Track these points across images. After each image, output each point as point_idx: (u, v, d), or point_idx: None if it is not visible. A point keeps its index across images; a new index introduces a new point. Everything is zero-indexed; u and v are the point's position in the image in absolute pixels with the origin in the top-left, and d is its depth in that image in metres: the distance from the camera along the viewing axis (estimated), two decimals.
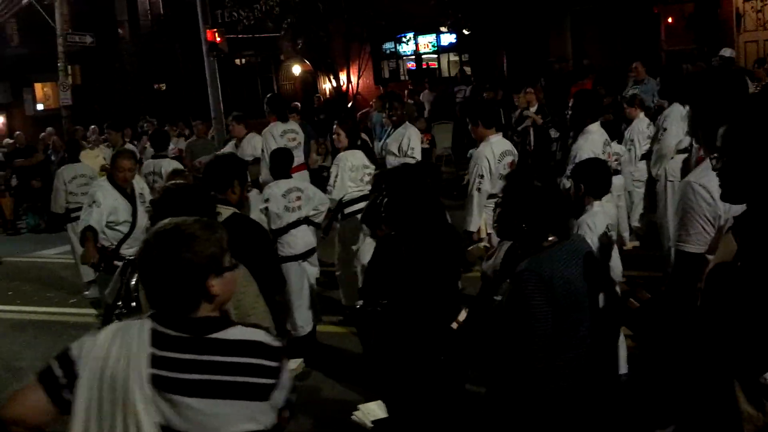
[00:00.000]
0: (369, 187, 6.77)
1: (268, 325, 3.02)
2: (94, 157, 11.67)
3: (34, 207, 14.55)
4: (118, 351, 2.11)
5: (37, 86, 29.68)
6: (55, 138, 15.81)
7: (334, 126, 7.41)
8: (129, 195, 6.73)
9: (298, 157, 8.97)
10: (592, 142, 6.09)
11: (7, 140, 17.40)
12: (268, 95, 10.11)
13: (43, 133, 16.68)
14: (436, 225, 3.84)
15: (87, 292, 8.80)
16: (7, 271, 10.93)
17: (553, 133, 12.08)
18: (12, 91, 29.36)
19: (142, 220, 6.56)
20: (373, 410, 4.18)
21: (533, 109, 12.41)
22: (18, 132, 17.61)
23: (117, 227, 6.55)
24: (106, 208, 6.45)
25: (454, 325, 3.56)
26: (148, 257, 2.20)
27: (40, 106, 29.61)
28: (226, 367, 2.13)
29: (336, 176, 6.99)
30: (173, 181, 3.69)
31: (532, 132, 12.47)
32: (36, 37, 24.91)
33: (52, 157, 14.82)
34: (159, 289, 2.19)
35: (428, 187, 3.94)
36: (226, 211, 3.86)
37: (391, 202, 3.88)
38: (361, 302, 3.79)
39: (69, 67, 21.34)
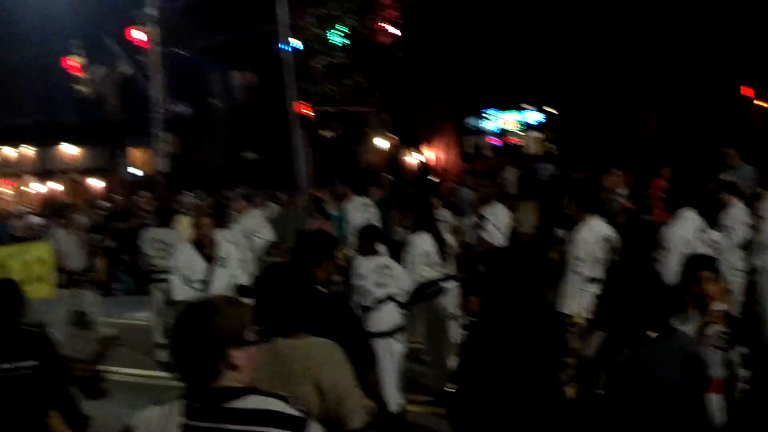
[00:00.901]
0: (446, 270, 6.81)
1: (365, 409, 3.01)
2: (190, 225, 11.79)
3: (128, 269, 15.01)
4: (158, 422, 2.33)
5: (134, 152, 31.03)
6: (150, 202, 16.38)
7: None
8: (207, 256, 6.93)
9: None
10: (685, 226, 6.02)
11: (104, 203, 18.15)
12: (345, 169, 10.47)
13: (138, 197, 17.34)
14: (536, 309, 3.72)
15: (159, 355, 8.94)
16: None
17: (645, 216, 11.82)
18: (110, 156, 30.84)
19: (220, 282, 6.71)
20: None
21: (622, 191, 12.20)
22: (115, 195, 18.39)
23: (193, 285, 6.77)
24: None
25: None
26: (177, 328, 2.38)
27: (135, 171, 30.91)
28: None
29: (408, 261, 7.08)
30: (274, 258, 3.76)
31: (621, 215, 12.23)
32: (135, 105, 26.22)
33: (147, 222, 15.36)
34: (185, 358, 2.33)
35: (529, 269, 3.83)
36: None
37: (489, 284, 3.84)
38: (453, 387, 3.73)
39: (165, 134, 22.28)
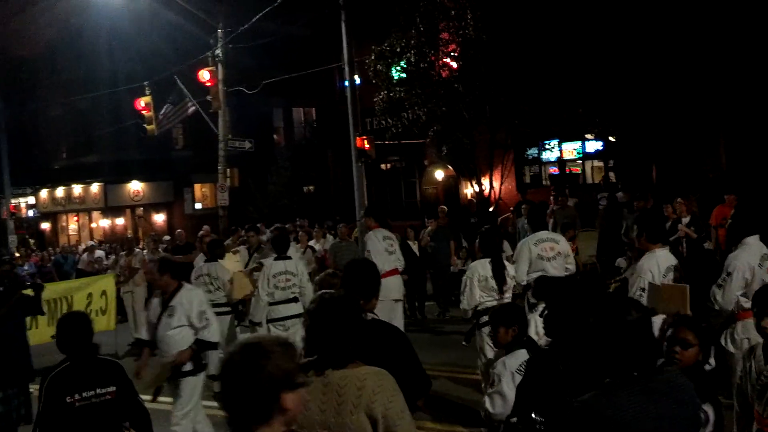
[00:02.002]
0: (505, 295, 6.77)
1: None
2: (235, 261, 11.60)
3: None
4: None
5: (197, 186, 31.82)
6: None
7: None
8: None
9: (394, 263, 9.68)
10: (750, 253, 5.94)
11: (166, 237, 18.57)
12: (368, 206, 10.62)
13: (200, 232, 17.68)
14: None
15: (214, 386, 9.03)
16: None
17: (707, 245, 11.53)
18: (174, 190, 31.68)
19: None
20: None
21: (686, 220, 11.93)
22: (179, 230, 18.82)
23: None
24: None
25: None
26: (229, 368, 2.37)
27: (198, 205, 31.66)
28: None
29: (466, 286, 7.11)
30: (325, 291, 3.78)
31: (684, 244, 11.97)
32: (197, 141, 26.95)
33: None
34: (236, 400, 2.32)
35: (589, 300, 3.78)
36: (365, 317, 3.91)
37: (550, 314, 3.79)
38: (515, 419, 3.68)
39: (227, 169, 22.75)
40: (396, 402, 3.00)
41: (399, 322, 9.40)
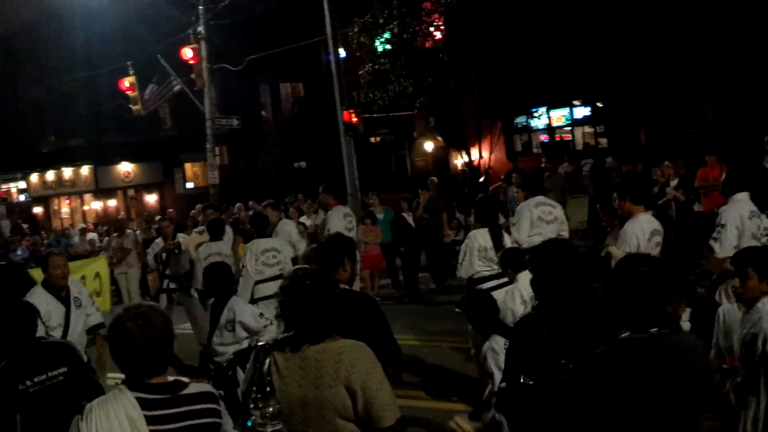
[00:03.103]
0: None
1: (396, 406, 3.02)
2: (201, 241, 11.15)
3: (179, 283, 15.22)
4: (120, 423, 2.66)
5: (187, 166, 31.72)
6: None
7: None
8: (63, 298, 6.45)
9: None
10: (740, 207, 6.30)
11: (158, 217, 18.54)
12: (325, 184, 10.80)
13: (192, 211, 17.68)
14: (583, 303, 3.72)
15: None
16: None
17: (696, 208, 11.60)
18: (164, 170, 31.59)
19: (77, 323, 6.42)
20: None
21: (674, 183, 11.99)
22: (170, 209, 18.79)
23: (51, 332, 6.08)
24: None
25: None
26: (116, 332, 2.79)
27: (189, 185, 31.58)
28: (197, 413, 2.79)
29: (465, 255, 7.10)
30: (299, 266, 3.83)
31: (674, 206, 12.05)
32: (186, 120, 26.81)
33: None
34: (137, 361, 2.75)
35: (576, 263, 3.83)
36: None
37: (535, 279, 3.84)
38: (504, 384, 3.75)
39: (216, 148, 22.68)
40: (374, 374, 3.01)
41: None
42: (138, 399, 2.71)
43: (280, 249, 8.71)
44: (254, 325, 5.80)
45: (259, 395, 2.95)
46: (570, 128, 23.29)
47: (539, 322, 3.70)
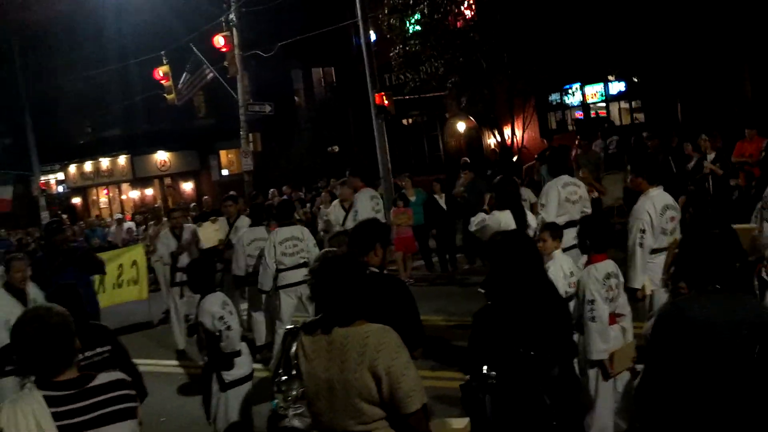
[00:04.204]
0: None
1: (421, 391, 3.01)
2: (214, 230, 11.35)
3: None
4: (27, 421, 2.71)
5: (222, 153, 31.98)
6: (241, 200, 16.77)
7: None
8: (22, 300, 6.68)
9: None
10: None
11: (193, 204, 18.74)
12: (353, 167, 10.75)
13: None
14: (537, 294, 3.87)
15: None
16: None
17: (733, 182, 11.36)
18: (200, 158, 31.91)
19: None
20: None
21: (711, 157, 11.76)
22: (205, 197, 18.97)
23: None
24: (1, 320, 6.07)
25: None
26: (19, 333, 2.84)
27: (224, 172, 31.85)
28: (108, 402, 2.86)
29: (487, 236, 7.04)
30: (328, 249, 3.84)
31: (711, 180, 11.82)
32: (220, 108, 27.02)
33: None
34: (39, 361, 2.82)
35: (531, 255, 3.97)
36: None
37: (493, 272, 3.93)
38: (468, 376, 3.82)
39: (250, 134, 22.79)
40: (400, 358, 3.00)
41: None
42: (46, 397, 2.79)
43: (301, 237, 8.69)
44: (210, 326, 5.65)
45: (284, 378, 2.97)
46: (605, 104, 22.92)
47: (498, 313, 3.81)
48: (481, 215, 7.15)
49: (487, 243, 4.06)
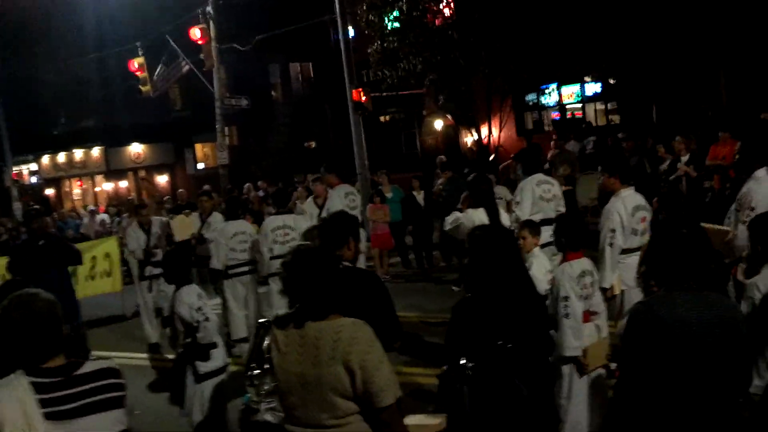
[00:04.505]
0: None
1: (395, 385, 3.00)
2: (188, 224, 10.97)
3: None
4: (12, 407, 2.66)
5: (198, 146, 31.74)
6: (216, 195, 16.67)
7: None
8: None
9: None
10: (765, 186, 5.84)
11: (167, 197, 18.59)
12: (325, 163, 10.73)
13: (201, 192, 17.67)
14: (515, 287, 3.90)
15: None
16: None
17: (707, 184, 11.49)
18: (175, 151, 31.64)
19: None
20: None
21: (685, 159, 11.88)
22: (180, 190, 18.81)
23: None
24: None
25: None
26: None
27: (200, 165, 31.62)
28: (95, 390, 2.82)
29: (455, 223, 7.17)
30: (301, 243, 3.82)
31: (684, 182, 11.94)
32: (196, 101, 26.80)
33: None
34: (26, 348, 2.77)
35: (509, 249, 4.01)
36: None
37: (470, 265, 3.94)
38: (445, 367, 3.82)
39: (226, 128, 22.66)
40: (373, 353, 2.98)
41: None
42: (32, 384, 2.75)
43: (293, 226, 8.68)
44: (187, 317, 5.64)
45: (257, 372, 2.94)
46: (581, 105, 23.10)
47: (477, 305, 3.84)
48: (455, 214, 7.19)
49: (467, 237, 4.05)
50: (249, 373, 2.98)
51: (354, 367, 2.93)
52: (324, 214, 10.20)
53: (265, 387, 2.89)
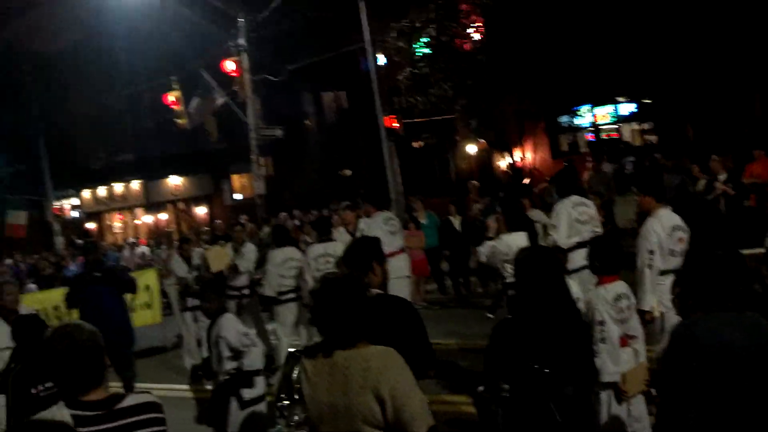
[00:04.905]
0: None
1: (427, 413, 2.96)
2: (224, 254, 11.05)
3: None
4: None
5: (234, 177, 32.10)
6: (250, 225, 16.82)
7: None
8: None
9: (397, 243, 9.66)
10: None
11: (206, 229, 18.78)
12: (362, 191, 10.57)
13: (239, 223, 17.84)
14: (557, 312, 3.84)
15: None
16: None
17: (745, 203, 11.31)
18: (213, 182, 32.05)
19: None
20: None
21: (722, 177, 11.71)
22: (218, 221, 19.01)
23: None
24: None
25: None
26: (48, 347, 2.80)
27: (237, 196, 31.95)
28: (136, 425, 2.79)
29: (500, 259, 7.10)
30: (330, 272, 3.82)
31: (723, 201, 11.77)
32: (232, 133, 27.13)
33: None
34: (68, 379, 2.78)
35: (552, 273, 3.94)
36: (370, 293, 3.88)
37: (517, 286, 3.94)
38: (482, 387, 3.80)
39: (261, 158, 22.86)
40: (403, 381, 2.95)
41: (405, 296, 9.49)
42: (73, 416, 2.72)
43: (334, 254, 8.70)
44: (236, 343, 5.63)
45: (287, 403, 2.94)
46: (616, 125, 22.91)
47: (516, 327, 3.81)
48: (488, 244, 7.14)
49: (512, 262, 4.03)
50: (279, 403, 2.98)
51: (384, 395, 2.90)
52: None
53: (296, 417, 2.88)
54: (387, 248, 8.95)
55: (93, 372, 2.82)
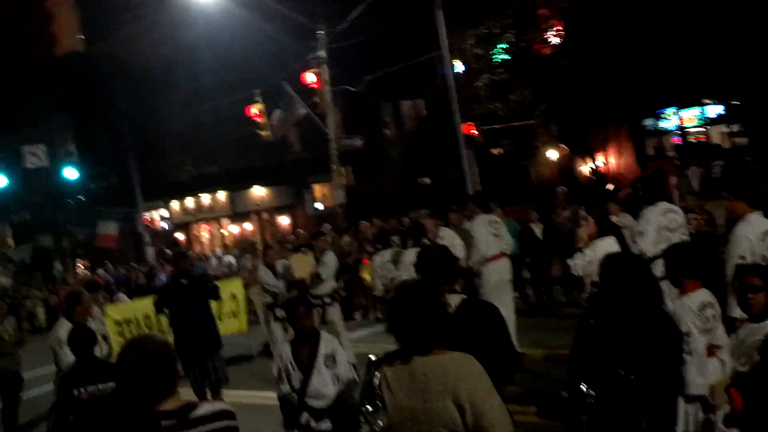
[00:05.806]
0: None
1: (506, 420, 2.97)
2: (306, 261, 11.55)
3: None
4: None
5: (316, 187, 32.54)
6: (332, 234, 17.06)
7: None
8: None
9: (500, 246, 9.51)
10: None
11: (291, 237, 19.15)
12: (474, 193, 10.50)
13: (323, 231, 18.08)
14: (646, 318, 3.73)
15: None
16: None
17: None
18: (295, 192, 32.62)
19: None
20: None
21: None
22: (300, 230, 19.36)
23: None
24: None
25: None
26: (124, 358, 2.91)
27: (318, 206, 32.39)
28: None
29: (589, 261, 6.94)
30: (407, 279, 3.87)
31: None
32: (313, 143, 27.60)
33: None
34: (141, 389, 2.85)
35: (641, 278, 3.83)
36: (454, 299, 3.92)
37: (603, 291, 3.87)
38: (565, 392, 3.72)
39: (342, 168, 23.17)
40: (481, 387, 2.97)
41: (508, 302, 9.40)
42: (150, 427, 2.79)
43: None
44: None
45: (369, 409, 3.00)
46: (704, 128, 22.21)
47: (600, 332, 3.73)
48: (579, 256, 7.04)
49: (601, 264, 3.97)
50: (362, 408, 3.04)
51: (463, 402, 2.93)
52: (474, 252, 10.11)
53: (379, 423, 2.93)
54: (489, 251, 9.06)
55: (166, 381, 2.90)
